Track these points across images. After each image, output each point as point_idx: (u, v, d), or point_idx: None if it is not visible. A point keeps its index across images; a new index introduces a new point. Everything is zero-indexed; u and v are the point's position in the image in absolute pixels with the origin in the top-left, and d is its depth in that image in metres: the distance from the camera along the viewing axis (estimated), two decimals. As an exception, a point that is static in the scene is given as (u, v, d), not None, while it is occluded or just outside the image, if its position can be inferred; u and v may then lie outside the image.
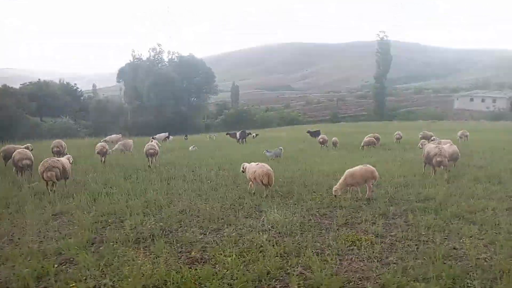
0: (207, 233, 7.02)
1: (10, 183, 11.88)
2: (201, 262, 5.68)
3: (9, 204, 9.29)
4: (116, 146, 22.36)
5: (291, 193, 10.28)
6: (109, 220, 7.83)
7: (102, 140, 25.96)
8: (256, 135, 37.25)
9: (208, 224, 7.50)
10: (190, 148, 24.40)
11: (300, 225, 7.34)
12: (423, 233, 6.79)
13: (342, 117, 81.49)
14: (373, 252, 5.95)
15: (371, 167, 9.93)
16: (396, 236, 6.65)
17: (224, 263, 5.50)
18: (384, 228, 7.08)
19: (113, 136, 26.50)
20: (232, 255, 5.72)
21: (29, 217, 8.02)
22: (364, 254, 5.89)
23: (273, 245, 6.24)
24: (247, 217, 8.02)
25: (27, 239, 6.71)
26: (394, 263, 5.54)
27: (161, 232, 6.99)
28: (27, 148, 17.52)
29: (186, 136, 34.04)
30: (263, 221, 7.66)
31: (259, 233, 6.87)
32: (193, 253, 5.93)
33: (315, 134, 35.46)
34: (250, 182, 10.54)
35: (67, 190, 10.58)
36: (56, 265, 5.53)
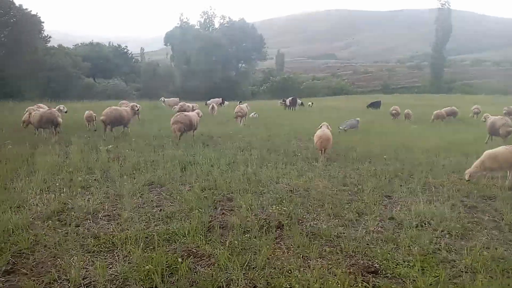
0: (347, 224, 5.58)
1: (85, 144, 11.03)
2: (369, 271, 4.24)
3: (92, 169, 8.30)
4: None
5: (406, 174, 8.66)
6: (214, 198, 6.59)
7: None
8: (312, 103, 35.57)
9: (338, 210, 6.06)
10: (250, 115, 23.02)
11: (457, 221, 5.74)
12: None
13: (394, 88, 76.75)
14: None
15: (519, 148, 8.06)
16: None
17: (408, 278, 4.03)
18: None
19: (171, 99, 25.58)
20: (414, 266, 4.23)
21: (120, 187, 6.94)
22: None
23: (451, 252, 4.72)
24: (377, 204, 6.50)
25: (129, 216, 5.58)
26: None
27: (288, 219, 5.62)
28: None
29: (240, 102, 32.67)
30: (403, 212, 6.14)
31: (410, 229, 5.33)
32: (360, 260, 4.49)
33: (376, 104, 33.13)
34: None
35: (155, 159, 9.50)
36: (179, 259, 4.30)
